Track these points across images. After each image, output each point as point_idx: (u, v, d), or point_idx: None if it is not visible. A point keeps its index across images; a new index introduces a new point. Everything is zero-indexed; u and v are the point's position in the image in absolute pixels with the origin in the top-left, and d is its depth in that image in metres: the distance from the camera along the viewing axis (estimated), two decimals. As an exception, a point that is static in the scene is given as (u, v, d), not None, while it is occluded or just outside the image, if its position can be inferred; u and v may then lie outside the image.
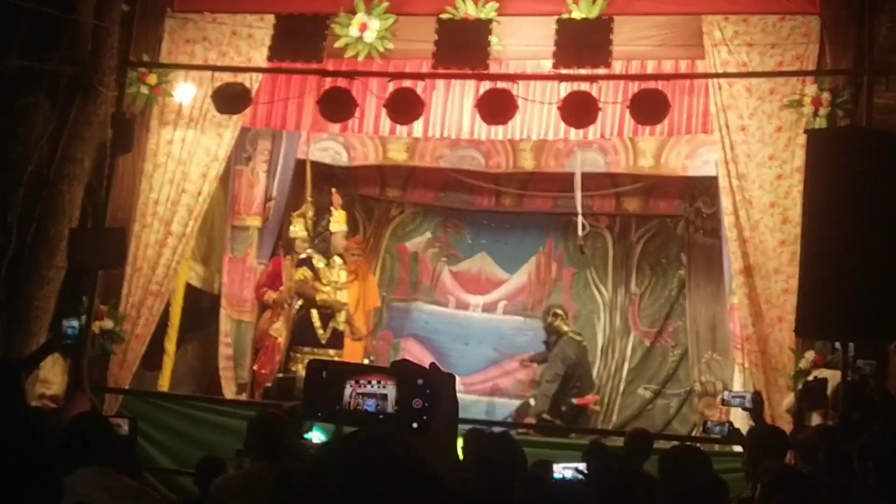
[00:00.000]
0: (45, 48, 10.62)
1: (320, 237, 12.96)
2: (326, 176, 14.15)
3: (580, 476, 6.17)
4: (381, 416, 2.13)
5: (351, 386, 2.11)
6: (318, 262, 12.69)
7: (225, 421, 10.36)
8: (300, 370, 12.29)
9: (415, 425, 2.11)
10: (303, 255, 12.75)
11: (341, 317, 12.78)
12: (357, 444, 1.91)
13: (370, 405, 2.11)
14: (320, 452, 2.06)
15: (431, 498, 1.81)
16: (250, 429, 6.35)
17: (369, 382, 2.12)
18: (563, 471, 6.39)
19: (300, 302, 12.64)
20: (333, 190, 13.10)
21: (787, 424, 9.33)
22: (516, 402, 13.76)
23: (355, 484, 1.84)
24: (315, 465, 1.94)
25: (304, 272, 12.58)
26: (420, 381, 2.13)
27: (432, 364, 2.23)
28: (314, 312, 12.57)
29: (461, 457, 5.53)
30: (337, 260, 12.93)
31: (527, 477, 5.72)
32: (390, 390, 2.12)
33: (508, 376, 14.01)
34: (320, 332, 12.56)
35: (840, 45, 9.87)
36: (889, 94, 9.56)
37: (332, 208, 12.99)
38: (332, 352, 12.56)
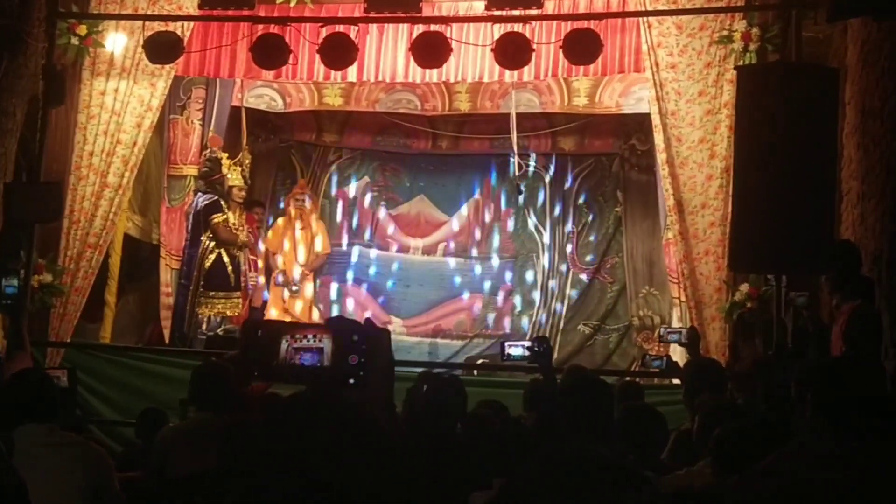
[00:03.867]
0: (-29, 1, 10.45)
1: (210, 181, 12.76)
2: (262, 123, 14.11)
3: (528, 353, 6.30)
4: (318, 367, 2.17)
5: (287, 341, 2.15)
6: (223, 205, 12.65)
7: (168, 371, 10.37)
8: (212, 315, 12.41)
9: (351, 381, 2.15)
10: (207, 201, 12.59)
11: (242, 257, 12.77)
12: (302, 400, 1.96)
13: (306, 359, 2.15)
14: (269, 408, 2.10)
15: (374, 448, 1.87)
16: (194, 379, 6.36)
17: (305, 337, 2.16)
18: (512, 349, 6.51)
19: (212, 245, 12.56)
20: (211, 131, 12.95)
21: (722, 357, 9.53)
22: (458, 343, 13.89)
23: (301, 437, 1.89)
24: (263, 420, 1.99)
25: (222, 216, 12.53)
26: (355, 338, 2.17)
27: (367, 320, 2.28)
28: (225, 257, 12.53)
29: (408, 398, 5.63)
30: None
31: (470, 418, 5.81)
32: (326, 343, 2.16)
33: (450, 317, 14.13)
34: (231, 276, 12.57)
35: (768, -21, 9.98)
36: (817, 28, 9.65)
37: (218, 151, 12.84)
38: (237, 294, 12.65)
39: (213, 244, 12.49)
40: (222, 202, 12.59)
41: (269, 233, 13.73)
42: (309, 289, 13.66)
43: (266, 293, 13.53)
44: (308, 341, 2.19)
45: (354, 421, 1.94)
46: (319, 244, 13.77)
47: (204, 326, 12.36)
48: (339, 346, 2.18)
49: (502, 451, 4.80)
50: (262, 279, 13.48)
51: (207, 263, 12.45)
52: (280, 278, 13.48)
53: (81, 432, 6.75)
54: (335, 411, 1.94)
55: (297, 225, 13.57)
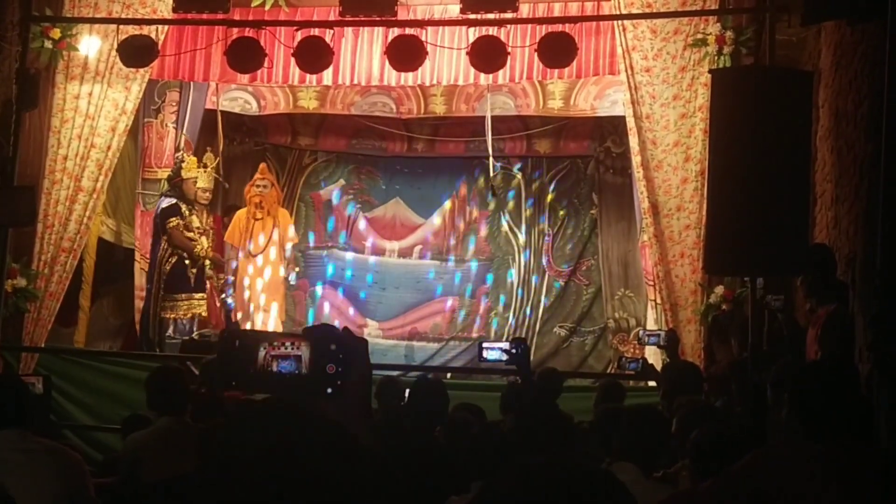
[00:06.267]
0: (-57, 4, 10.41)
1: (173, 183, 12.66)
2: (236, 125, 14.07)
3: (505, 355, 6.31)
4: (295, 374, 2.17)
5: (265, 349, 2.15)
6: (184, 209, 12.46)
7: (143, 375, 10.29)
8: (178, 317, 12.27)
9: (329, 391, 2.15)
10: (166, 204, 12.43)
11: (208, 262, 12.65)
12: (274, 408, 1.96)
13: (285, 366, 2.15)
14: (239, 415, 2.10)
15: (348, 459, 1.87)
16: (149, 385, 6.34)
17: (283, 345, 2.16)
18: (489, 352, 6.52)
19: (170, 250, 12.36)
20: (184, 135, 12.89)
21: (698, 359, 9.57)
22: (435, 346, 13.89)
23: (275, 447, 1.89)
24: (234, 429, 1.98)
25: (178, 220, 12.34)
26: (333, 347, 2.17)
27: (345, 328, 2.27)
28: (187, 259, 12.35)
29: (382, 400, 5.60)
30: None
31: (450, 421, 5.81)
32: (305, 352, 2.16)
33: (426, 320, 14.13)
34: (192, 277, 12.42)
35: (742, -18, 10.03)
36: (791, 31, 9.70)
37: (183, 154, 12.74)
38: (199, 295, 12.50)
39: (170, 248, 12.37)
40: (182, 205, 12.43)
41: (230, 225, 13.36)
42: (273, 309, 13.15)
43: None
44: (286, 349, 2.18)
45: (330, 429, 1.93)
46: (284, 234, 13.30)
47: (171, 330, 12.25)
48: (316, 354, 2.17)
49: (481, 454, 4.81)
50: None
51: (168, 266, 12.30)
52: (231, 302, 13.10)
53: (56, 438, 6.72)
54: (311, 419, 1.94)
55: (257, 214, 13.05)
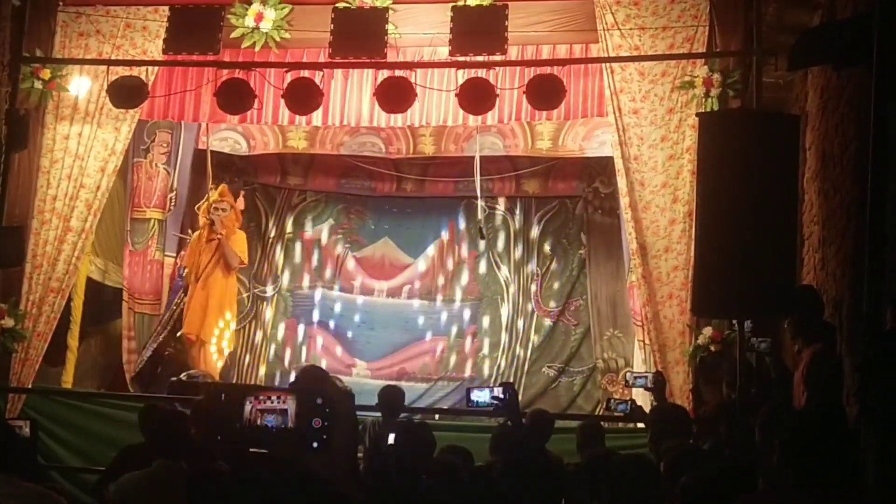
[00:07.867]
0: (-65, 45, 10.43)
1: None
2: (226, 165, 14.07)
3: (495, 401, 6.29)
4: (282, 428, 2.17)
5: (251, 403, 2.16)
6: None
7: (131, 416, 10.26)
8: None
9: (315, 445, 2.15)
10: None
11: None
12: (265, 465, 1.97)
13: (270, 420, 2.16)
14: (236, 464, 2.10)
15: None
16: (152, 426, 6.28)
17: (269, 399, 2.17)
18: (479, 395, 6.49)
19: None
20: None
21: (686, 400, 9.56)
22: (423, 386, 13.85)
23: (266, 498, 1.90)
24: (225, 480, 1.99)
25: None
26: (319, 401, 2.18)
27: (331, 380, 2.28)
28: None
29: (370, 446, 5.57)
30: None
31: (436, 465, 5.79)
32: (291, 405, 2.16)
33: (414, 360, 14.09)
34: None
35: (729, 25, 10.04)
36: (778, 74, 9.77)
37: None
38: None
39: None
40: None
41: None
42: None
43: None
44: (272, 403, 2.20)
45: (317, 485, 1.94)
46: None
47: None
48: (302, 408, 2.19)
49: (468, 500, 4.79)
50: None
51: None
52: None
53: (43, 480, 6.69)
54: (299, 475, 1.94)
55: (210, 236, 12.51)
